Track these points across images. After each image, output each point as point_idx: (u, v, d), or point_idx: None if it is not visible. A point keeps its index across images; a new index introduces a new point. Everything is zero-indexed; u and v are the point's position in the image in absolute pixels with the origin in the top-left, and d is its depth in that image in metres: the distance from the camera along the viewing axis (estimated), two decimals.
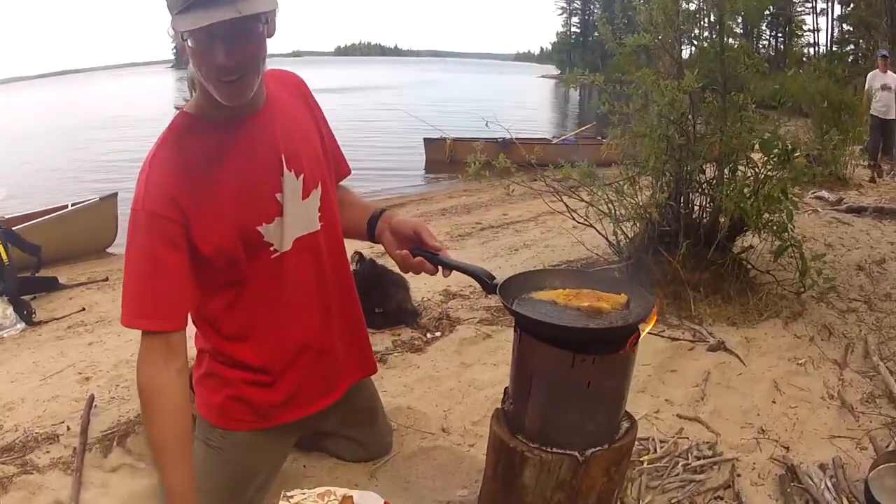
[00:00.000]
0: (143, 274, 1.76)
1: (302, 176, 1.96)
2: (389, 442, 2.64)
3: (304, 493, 1.69)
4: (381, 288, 4.07)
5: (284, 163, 1.91)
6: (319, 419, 2.32)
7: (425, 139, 14.15)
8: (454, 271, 1.96)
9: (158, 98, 44.72)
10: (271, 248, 1.94)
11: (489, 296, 2.05)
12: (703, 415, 2.76)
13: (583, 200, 3.94)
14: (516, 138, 12.40)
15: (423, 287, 4.71)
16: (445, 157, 12.91)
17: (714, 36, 3.56)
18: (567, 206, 4.06)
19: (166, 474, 1.76)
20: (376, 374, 2.43)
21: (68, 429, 3.16)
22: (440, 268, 1.96)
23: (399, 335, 3.81)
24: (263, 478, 2.20)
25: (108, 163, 15.83)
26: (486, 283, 1.88)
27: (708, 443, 2.57)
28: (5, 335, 5.06)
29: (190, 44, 1.63)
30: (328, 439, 2.55)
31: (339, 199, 2.21)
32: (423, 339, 3.74)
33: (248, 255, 1.91)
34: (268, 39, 1.73)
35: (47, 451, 3.00)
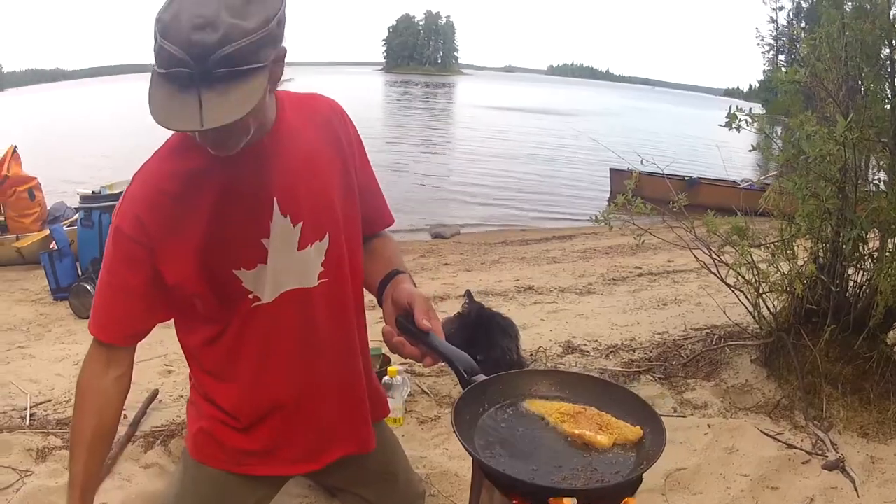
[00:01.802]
0: (104, 286, 1.69)
1: (300, 224, 1.70)
2: None
3: None
4: (486, 334, 3.85)
5: (277, 206, 1.67)
6: (317, 476, 2.18)
7: (611, 169, 13.60)
8: (441, 359, 1.57)
9: (367, 101, 46.85)
10: (251, 297, 1.71)
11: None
12: None
13: (721, 261, 3.41)
14: (702, 178, 11.79)
15: (546, 334, 4.46)
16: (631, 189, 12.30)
17: (886, 76, 2.91)
18: (714, 262, 3.54)
19: (75, 464, 1.70)
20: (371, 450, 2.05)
21: (125, 417, 3.17)
22: (425, 352, 1.58)
23: None
24: None
25: None
26: (463, 378, 1.49)
27: None
28: None
29: None
30: (339, 493, 2.33)
31: (369, 249, 1.94)
32: None
33: (221, 297, 1.70)
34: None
35: None
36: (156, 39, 1.30)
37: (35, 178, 7.45)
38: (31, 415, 3.17)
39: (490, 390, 1.48)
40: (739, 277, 3.37)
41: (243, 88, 1.31)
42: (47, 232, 6.71)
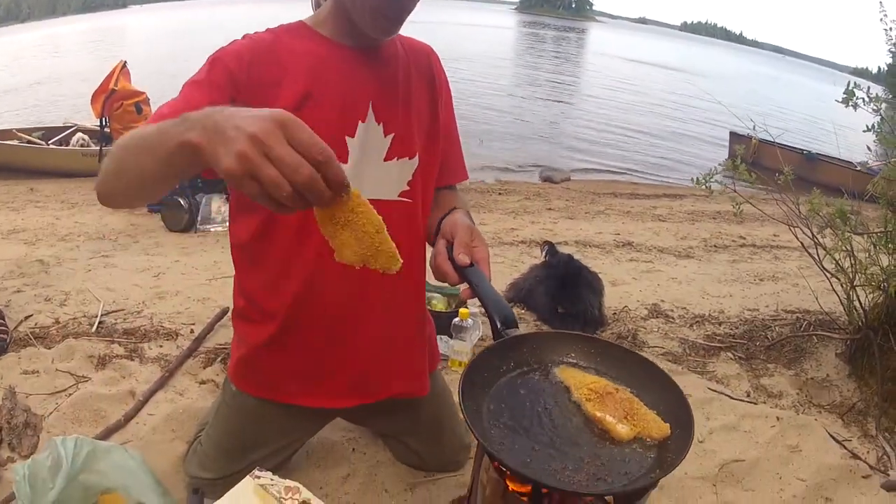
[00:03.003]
0: (179, 99, 1.55)
1: (392, 136, 1.74)
2: (460, 460, 2.32)
3: (272, 480, 1.48)
4: (571, 287, 3.77)
5: (372, 111, 1.70)
6: (364, 420, 2.24)
7: (731, 133, 13.04)
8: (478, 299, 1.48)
9: (498, 41, 46.29)
10: None
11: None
12: None
13: (820, 244, 3.16)
14: (822, 155, 11.13)
15: (635, 294, 4.33)
16: (749, 156, 11.72)
17: None
18: (814, 244, 3.29)
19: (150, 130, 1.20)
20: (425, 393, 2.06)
21: (191, 332, 3.29)
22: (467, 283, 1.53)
23: None
24: (270, 451, 2.02)
25: None
26: (496, 328, 1.39)
27: None
28: (212, 230, 5.32)
29: None
30: (384, 438, 2.38)
31: (437, 200, 1.93)
32: None
33: None
34: None
35: (160, 346, 3.14)
36: None
37: (143, 92, 7.61)
38: (100, 322, 3.26)
39: (520, 349, 1.38)
40: (836, 263, 3.15)
41: None
42: None
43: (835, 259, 3.10)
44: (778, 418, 2.71)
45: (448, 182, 1.98)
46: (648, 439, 1.21)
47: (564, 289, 3.72)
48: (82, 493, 1.68)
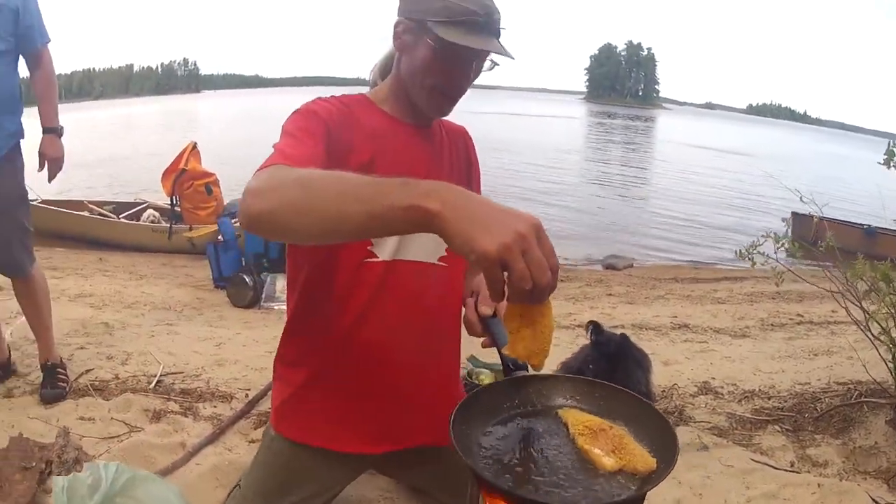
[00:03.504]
0: (285, 143, 1.59)
1: None
2: None
3: None
4: (619, 364, 3.71)
5: None
6: (391, 467, 2.24)
7: (793, 213, 12.90)
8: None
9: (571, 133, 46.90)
10: (369, 249, 1.84)
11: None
12: None
13: (863, 309, 3.13)
14: (880, 228, 10.89)
15: (686, 372, 4.30)
16: (811, 235, 11.51)
17: None
18: (865, 316, 3.25)
19: (361, 184, 1.17)
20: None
21: (246, 396, 3.39)
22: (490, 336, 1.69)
23: None
24: (305, 496, 2.06)
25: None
26: (508, 368, 1.49)
27: None
28: (275, 307, 5.52)
29: (434, 52, 1.71)
30: (420, 495, 2.43)
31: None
32: None
33: None
34: None
35: (214, 406, 3.28)
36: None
37: (213, 174, 8.01)
38: (159, 381, 3.42)
39: (526, 389, 1.45)
40: (882, 328, 3.11)
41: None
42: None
43: (879, 323, 3.07)
44: (819, 485, 2.66)
45: None
46: (634, 473, 1.23)
47: (612, 366, 3.72)
48: None
